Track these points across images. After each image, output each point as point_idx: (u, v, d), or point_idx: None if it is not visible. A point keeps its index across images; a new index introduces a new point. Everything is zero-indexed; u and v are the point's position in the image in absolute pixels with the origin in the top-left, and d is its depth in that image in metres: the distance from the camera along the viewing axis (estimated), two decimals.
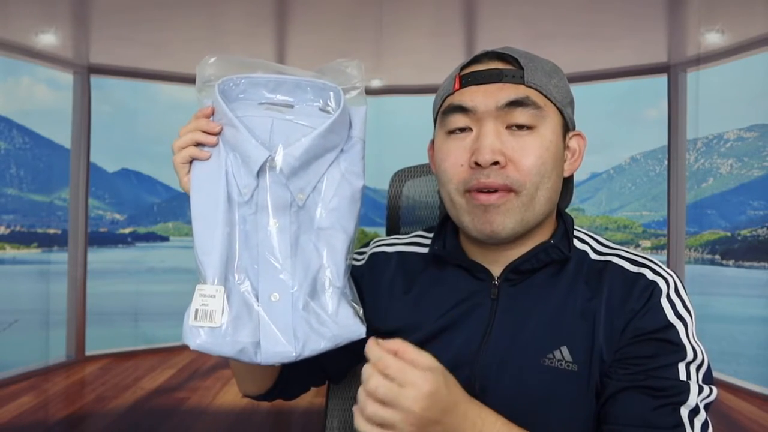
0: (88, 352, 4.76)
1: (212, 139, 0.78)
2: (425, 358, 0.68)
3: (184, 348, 4.80)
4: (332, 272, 0.78)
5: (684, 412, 0.77)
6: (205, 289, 0.74)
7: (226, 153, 0.78)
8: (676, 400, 0.77)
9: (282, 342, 0.75)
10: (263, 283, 0.76)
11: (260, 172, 0.76)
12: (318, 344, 0.76)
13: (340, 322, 0.77)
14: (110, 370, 4.48)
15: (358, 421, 0.67)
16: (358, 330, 0.78)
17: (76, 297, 4.73)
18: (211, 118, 0.79)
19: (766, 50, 4.18)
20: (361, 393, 0.67)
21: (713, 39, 4.21)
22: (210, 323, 0.74)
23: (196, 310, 0.74)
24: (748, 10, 3.88)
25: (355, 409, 0.68)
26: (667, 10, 4.08)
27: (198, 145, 0.79)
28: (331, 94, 0.80)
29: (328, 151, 0.78)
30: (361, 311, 0.80)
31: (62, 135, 5.12)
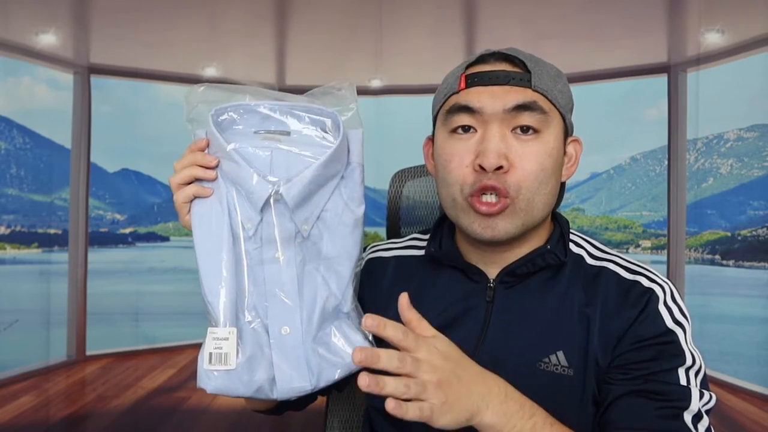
0: (89, 352, 4.76)
1: (211, 173, 0.76)
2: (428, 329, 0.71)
3: (185, 348, 4.80)
4: (340, 299, 0.78)
5: (687, 417, 0.76)
6: (218, 332, 0.73)
7: (227, 187, 0.76)
8: (678, 405, 0.77)
9: (296, 377, 0.75)
10: (273, 317, 0.75)
11: (264, 206, 0.75)
12: (332, 374, 0.76)
13: (351, 349, 0.76)
14: (111, 370, 4.48)
15: (397, 409, 0.65)
16: None
17: (77, 297, 4.73)
18: (206, 150, 0.77)
19: (766, 50, 4.18)
20: (389, 381, 0.65)
21: (713, 39, 4.20)
22: (225, 366, 0.73)
23: (210, 354, 0.73)
24: (748, 10, 3.88)
25: (389, 401, 0.65)
26: (667, 10, 4.08)
27: (197, 180, 0.77)
28: (329, 120, 0.78)
29: (330, 180, 0.77)
30: (370, 335, 0.80)
31: (62, 135, 5.13)
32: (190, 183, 0.77)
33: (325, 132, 0.78)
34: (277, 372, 0.74)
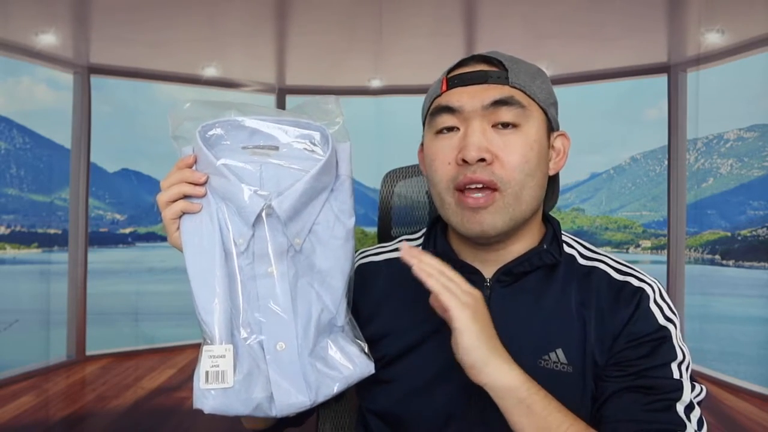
0: (89, 352, 4.77)
1: (200, 190, 0.75)
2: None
3: (185, 348, 4.78)
4: (334, 314, 0.78)
5: (680, 407, 0.79)
6: (214, 349, 0.72)
7: (216, 203, 0.75)
8: (671, 397, 0.79)
9: (294, 393, 0.74)
10: (268, 333, 0.75)
11: (256, 220, 0.74)
12: (331, 389, 0.76)
13: (348, 362, 0.77)
14: (111, 370, 4.48)
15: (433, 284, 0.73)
16: (367, 367, 0.79)
17: (77, 297, 4.73)
18: (194, 167, 0.77)
19: (766, 50, 4.18)
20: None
21: (713, 39, 4.21)
22: (222, 384, 0.72)
23: (207, 372, 0.72)
24: (748, 10, 3.88)
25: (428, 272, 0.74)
26: (667, 10, 4.08)
27: (186, 197, 0.76)
28: (318, 134, 0.78)
29: (321, 192, 0.78)
30: (366, 347, 0.80)
31: (62, 135, 5.12)
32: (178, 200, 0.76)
33: (314, 145, 0.78)
34: (274, 388, 0.74)
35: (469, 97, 0.83)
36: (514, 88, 0.84)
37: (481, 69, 0.85)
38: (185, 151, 0.78)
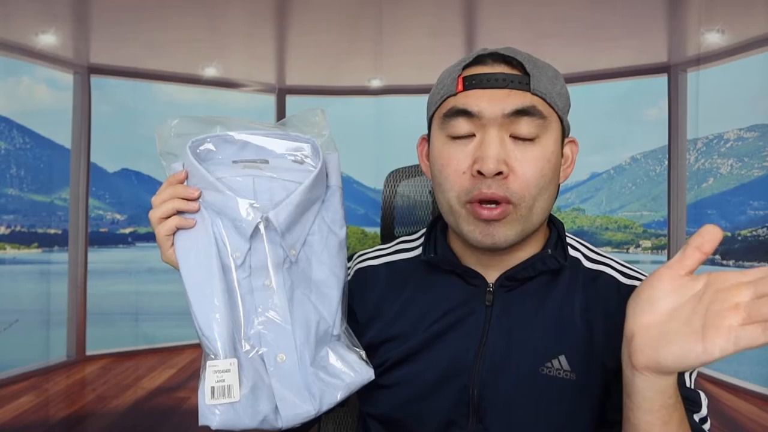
0: (89, 352, 4.77)
1: (194, 205, 0.74)
2: None
3: (185, 348, 4.77)
4: (331, 322, 0.78)
5: (696, 418, 0.78)
6: (218, 364, 0.71)
7: (211, 218, 0.75)
8: (691, 408, 0.78)
9: (299, 403, 0.74)
10: (268, 345, 0.74)
11: (253, 233, 0.74)
12: (334, 396, 0.76)
13: (349, 369, 0.77)
14: (110, 370, 4.48)
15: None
16: (367, 373, 0.79)
17: (77, 297, 4.73)
18: (185, 182, 0.76)
19: (766, 50, 4.18)
20: None
21: (713, 39, 4.21)
22: (229, 399, 0.71)
23: (212, 388, 0.71)
24: (748, 10, 3.89)
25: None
26: (667, 10, 4.08)
27: (179, 212, 0.75)
28: (308, 146, 0.79)
29: (313, 203, 0.78)
30: (363, 354, 0.80)
31: (62, 135, 5.11)
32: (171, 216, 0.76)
33: (305, 157, 0.78)
34: (279, 400, 0.73)
35: (488, 103, 0.78)
36: (536, 95, 0.79)
37: (501, 72, 0.79)
38: (174, 167, 0.77)
